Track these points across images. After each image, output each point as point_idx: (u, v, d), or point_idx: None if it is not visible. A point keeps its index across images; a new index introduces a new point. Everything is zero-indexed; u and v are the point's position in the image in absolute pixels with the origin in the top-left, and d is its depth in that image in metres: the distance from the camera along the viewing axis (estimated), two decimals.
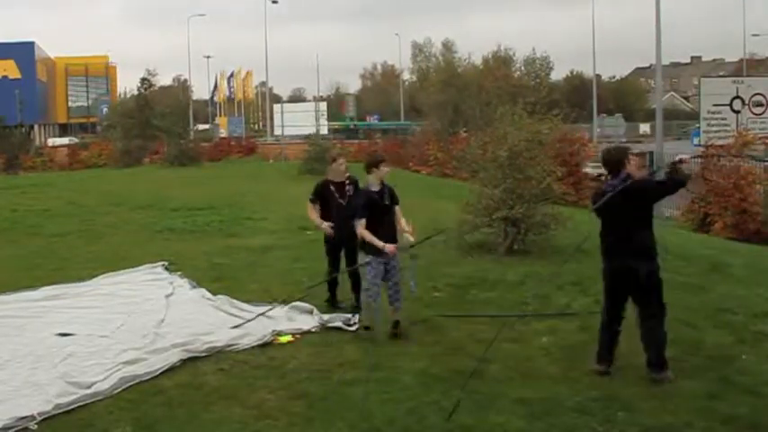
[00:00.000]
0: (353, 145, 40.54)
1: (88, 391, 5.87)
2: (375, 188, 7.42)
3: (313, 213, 8.41)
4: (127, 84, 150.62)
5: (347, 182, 8.31)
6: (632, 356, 6.53)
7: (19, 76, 67.74)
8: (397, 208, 7.51)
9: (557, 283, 9.33)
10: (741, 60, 69.06)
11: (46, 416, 5.43)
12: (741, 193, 16.50)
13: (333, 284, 8.44)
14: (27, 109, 58.51)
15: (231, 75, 76.38)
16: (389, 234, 7.27)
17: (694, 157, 17.33)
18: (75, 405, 5.65)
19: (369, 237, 7.16)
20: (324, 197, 8.32)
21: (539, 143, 11.94)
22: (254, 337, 7.17)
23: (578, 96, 65.94)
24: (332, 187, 8.28)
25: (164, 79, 79.62)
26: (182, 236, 13.77)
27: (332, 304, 8.36)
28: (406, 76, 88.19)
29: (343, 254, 8.31)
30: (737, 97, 21.05)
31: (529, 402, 5.62)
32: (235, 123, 69.00)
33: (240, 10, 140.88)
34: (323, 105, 62.94)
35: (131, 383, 6.08)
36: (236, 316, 7.96)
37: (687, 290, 8.89)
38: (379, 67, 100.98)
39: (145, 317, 7.95)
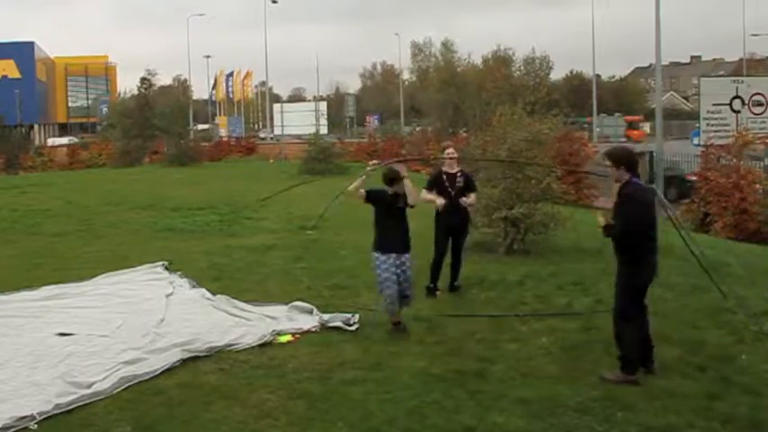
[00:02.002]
0: (353, 144, 40.53)
1: (88, 391, 5.87)
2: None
3: (425, 194, 8.76)
4: (127, 84, 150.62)
5: (458, 173, 8.89)
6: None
7: (19, 76, 67.67)
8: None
9: (557, 283, 9.34)
10: (741, 60, 69.10)
11: (46, 416, 5.42)
12: (741, 192, 16.50)
13: (436, 269, 8.87)
14: (27, 109, 58.54)
15: (230, 74, 76.27)
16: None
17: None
18: (75, 405, 5.64)
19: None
20: (438, 186, 8.82)
21: (538, 143, 11.95)
22: (254, 336, 7.17)
23: (578, 96, 65.99)
24: (444, 177, 8.83)
25: (164, 79, 79.68)
26: (182, 236, 13.76)
27: (430, 291, 8.78)
28: (405, 75, 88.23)
29: (450, 241, 8.88)
30: (737, 97, 21.02)
31: (529, 402, 5.62)
32: (234, 123, 68.93)
33: (240, 10, 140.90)
34: (323, 105, 63.04)
35: (131, 383, 6.08)
36: (236, 315, 7.95)
37: (687, 290, 8.90)
38: (378, 66, 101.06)
39: (145, 316, 7.94)
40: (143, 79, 40.86)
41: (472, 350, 6.86)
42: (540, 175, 11.54)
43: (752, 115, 21.03)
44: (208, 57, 77.23)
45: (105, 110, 56.12)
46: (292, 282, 9.50)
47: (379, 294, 7.50)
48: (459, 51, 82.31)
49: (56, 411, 5.51)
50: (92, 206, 18.25)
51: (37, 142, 55.36)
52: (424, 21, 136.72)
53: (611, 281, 9.31)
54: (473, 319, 7.87)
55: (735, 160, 17.44)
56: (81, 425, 5.37)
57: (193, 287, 9.23)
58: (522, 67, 69.14)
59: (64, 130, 73.65)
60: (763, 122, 21.04)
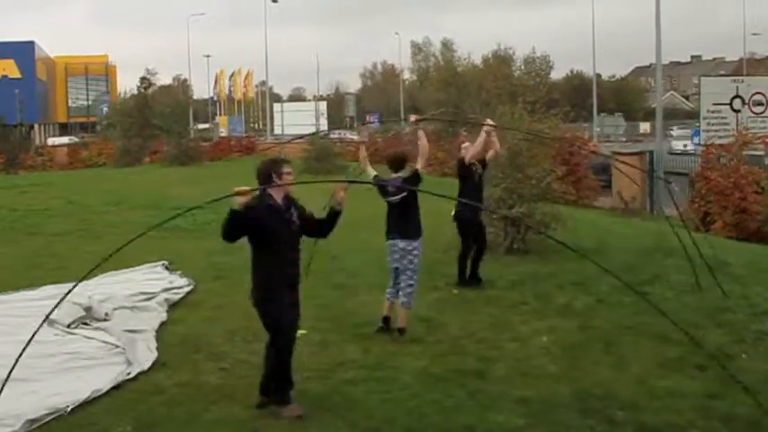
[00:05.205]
0: (353, 144, 40.48)
1: (87, 391, 5.86)
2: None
3: None
4: (127, 84, 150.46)
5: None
6: (632, 356, 6.54)
7: (19, 75, 67.51)
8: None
9: (557, 283, 9.34)
10: (741, 59, 69.10)
11: (46, 417, 5.41)
12: (741, 192, 16.49)
13: (463, 261, 9.30)
14: (27, 108, 58.43)
15: (231, 74, 76.27)
16: None
17: None
18: (75, 405, 5.63)
19: None
20: (463, 175, 9.25)
21: (539, 142, 11.95)
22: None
23: (578, 95, 66.00)
24: (473, 167, 9.12)
25: (164, 79, 79.53)
26: (181, 235, 13.76)
27: (461, 280, 9.22)
28: (406, 75, 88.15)
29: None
30: (737, 96, 21.02)
31: (529, 402, 5.61)
32: (235, 123, 68.95)
33: (240, 10, 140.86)
34: (323, 105, 63.15)
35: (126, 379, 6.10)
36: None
37: (687, 289, 8.89)
38: (379, 66, 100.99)
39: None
40: (143, 79, 40.91)
41: (472, 350, 6.86)
42: (540, 174, 11.54)
43: (752, 115, 21.04)
44: (208, 56, 77.26)
45: (105, 110, 56.07)
46: None
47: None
48: (459, 51, 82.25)
49: (54, 412, 5.50)
50: (92, 206, 18.24)
51: (37, 142, 55.30)
52: (425, 20, 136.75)
53: (612, 280, 9.34)
54: (473, 318, 7.87)
55: (735, 160, 17.42)
56: (81, 425, 5.37)
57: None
58: (522, 67, 69.24)
59: (64, 129, 73.50)
60: (764, 122, 21.05)
